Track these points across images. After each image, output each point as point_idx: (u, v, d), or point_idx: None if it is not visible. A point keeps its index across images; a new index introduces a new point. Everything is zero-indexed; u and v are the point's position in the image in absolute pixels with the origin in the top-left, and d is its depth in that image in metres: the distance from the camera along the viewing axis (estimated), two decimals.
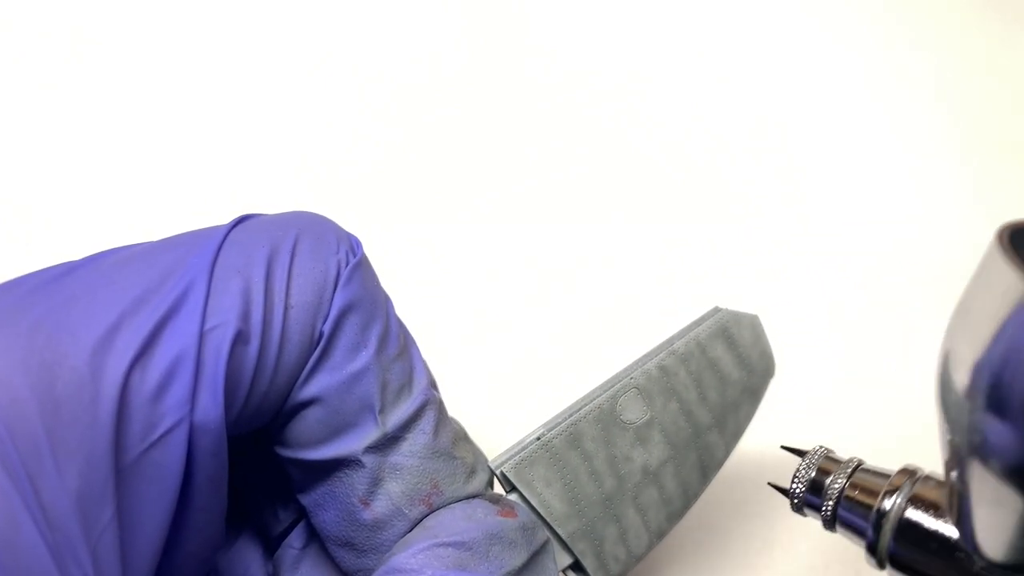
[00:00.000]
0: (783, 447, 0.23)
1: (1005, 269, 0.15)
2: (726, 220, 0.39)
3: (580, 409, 0.23)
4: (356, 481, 0.19)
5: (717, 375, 0.25)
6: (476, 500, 0.20)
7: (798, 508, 0.22)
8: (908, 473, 0.21)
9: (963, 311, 0.17)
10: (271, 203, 0.31)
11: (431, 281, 0.36)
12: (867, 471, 0.22)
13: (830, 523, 0.22)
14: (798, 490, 0.22)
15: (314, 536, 0.22)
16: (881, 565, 0.20)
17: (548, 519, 0.22)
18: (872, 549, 0.20)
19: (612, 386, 0.23)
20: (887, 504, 0.20)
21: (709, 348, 0.25)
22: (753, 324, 0.26)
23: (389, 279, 0.22)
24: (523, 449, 0.22)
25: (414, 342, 0.21)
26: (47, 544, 0.15)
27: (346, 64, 0.41)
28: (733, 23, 0.44)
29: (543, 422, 0.23)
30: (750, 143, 0.41)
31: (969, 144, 0.42)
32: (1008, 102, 0.43)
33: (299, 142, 0.39)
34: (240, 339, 0.18)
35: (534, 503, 0.22)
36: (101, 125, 0.38)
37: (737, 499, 0.31)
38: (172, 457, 0.17)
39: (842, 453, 0.23)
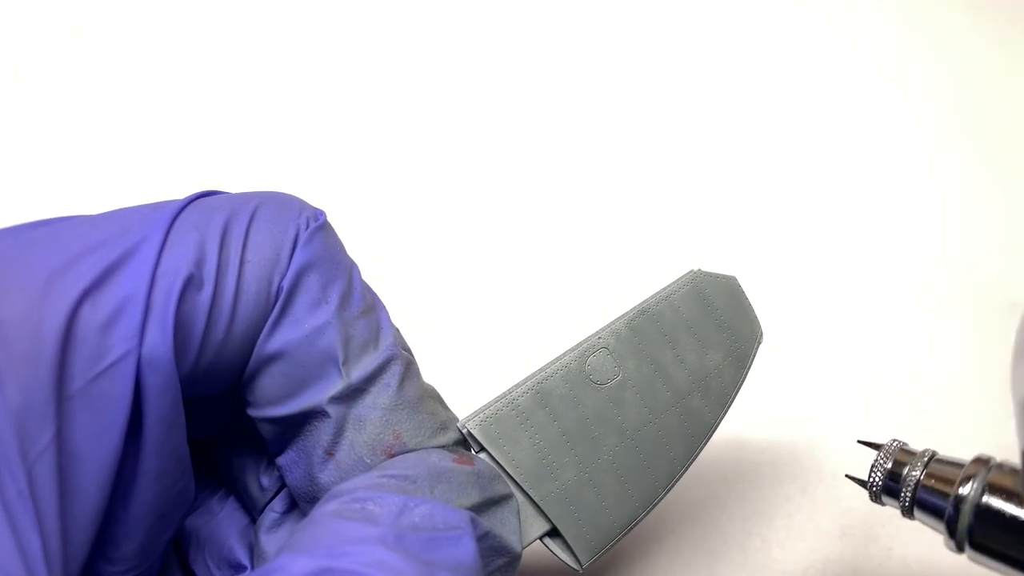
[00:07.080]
0: (859, 441, 0.25)
1: None
2: (715, 193, 0.40)
3: (547, 368, 0.23)
4: (322, 432, 0.20)
5: (694, 337, 0.24)
6: (434, 449, 0.20)
7: (876, 497, 0.24)
8: (982, 462, 0.22)
9: None
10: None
11: (404, 259, 0.37)
12: (941, 461, 0.23)
13: (908, 510, 0.23)
14: (876, 480, 0.24)
15: (296, 504, 0.22)
16: (960, 548, 0.22)
17: (517, 478, 0.22)
18: (952, 532, 0.22)
19: (580, 346, 0.23)
20: (964, 491, 0.22)
21: (684, 309, 0.24)
22: (731, 286, 0.25)
23: (368, 268, 0.22)
24: (488, 407, 0.22)
25: (384, 307, 0.21)
26: None
27: (342, 64, 0.42)
28: (730, 13, 0.45)
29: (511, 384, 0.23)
30: (738, 120, 0.42)
31: (938, 115, 0.43)
32: (1010, 101, 0.44)
33: (287, 141, 0.40)
34: (192, 284, 0.18)
35: (502, 461, 0.22)
36: (92, 125, 0.39)
37: (735, 498, 0.31)
38: (119, 389, 0.17)
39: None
